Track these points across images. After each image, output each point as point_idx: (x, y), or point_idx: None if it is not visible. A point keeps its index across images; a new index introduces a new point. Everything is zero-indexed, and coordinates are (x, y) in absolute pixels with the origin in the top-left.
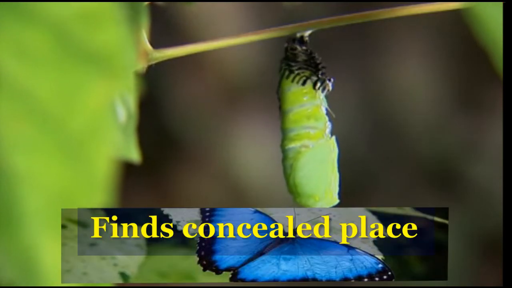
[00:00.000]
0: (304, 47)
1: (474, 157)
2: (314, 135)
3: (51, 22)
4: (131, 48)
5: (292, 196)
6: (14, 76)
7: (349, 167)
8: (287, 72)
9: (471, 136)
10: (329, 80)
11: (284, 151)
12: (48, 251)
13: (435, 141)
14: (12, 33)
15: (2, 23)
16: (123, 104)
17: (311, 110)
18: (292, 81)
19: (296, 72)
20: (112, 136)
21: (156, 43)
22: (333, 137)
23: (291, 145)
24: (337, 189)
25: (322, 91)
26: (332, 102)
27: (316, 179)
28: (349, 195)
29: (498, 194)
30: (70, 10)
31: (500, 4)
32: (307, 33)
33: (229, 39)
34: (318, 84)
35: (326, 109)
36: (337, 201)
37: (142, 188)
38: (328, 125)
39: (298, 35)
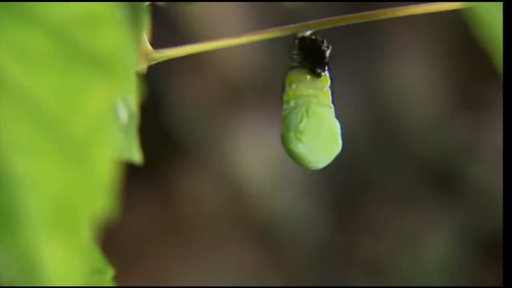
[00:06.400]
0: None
1: (474, 157)
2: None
3: (52, 24)
4: (132, 49)
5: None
6: (14, 79)
7: (348, 167)
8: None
9: (471, 136)
10: (320, 70)
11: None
12: (49, 252)
13: (435, 141)
14: (12, 35)
15: (3, 25)
16: (125, 104)
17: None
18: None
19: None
20: (114, 138)
21: (156, 43)
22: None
23: (291, 104)
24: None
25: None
26: (332, 102)
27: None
28: (348, 195)
29: (498, 194)
30: (70, 11)
31: (500, 4)
32: (307, 34)
33: (229, 39)
34: (308, 64)
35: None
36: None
37: (143, 188)
38: (327, 90)
39: (299, 35)
